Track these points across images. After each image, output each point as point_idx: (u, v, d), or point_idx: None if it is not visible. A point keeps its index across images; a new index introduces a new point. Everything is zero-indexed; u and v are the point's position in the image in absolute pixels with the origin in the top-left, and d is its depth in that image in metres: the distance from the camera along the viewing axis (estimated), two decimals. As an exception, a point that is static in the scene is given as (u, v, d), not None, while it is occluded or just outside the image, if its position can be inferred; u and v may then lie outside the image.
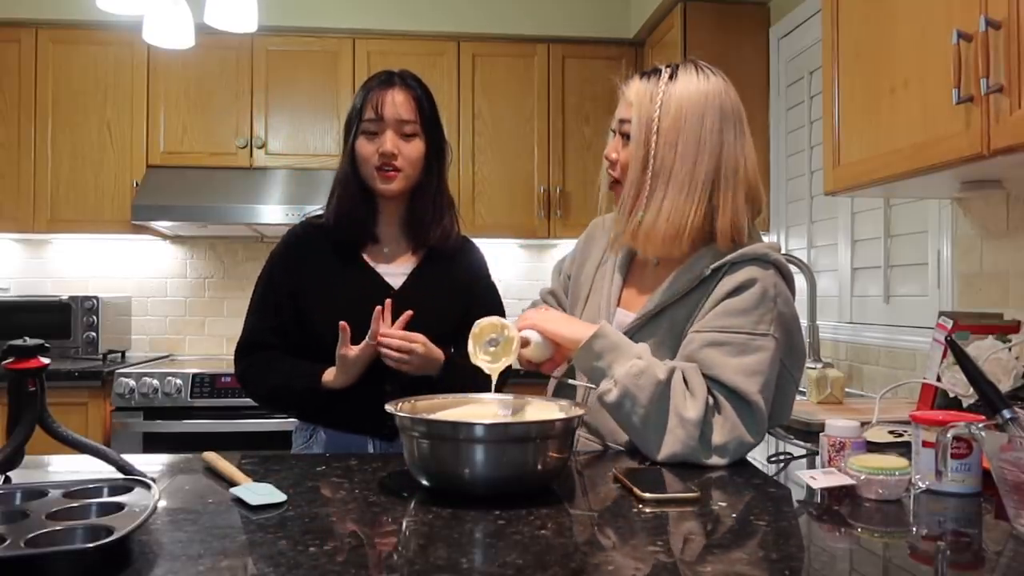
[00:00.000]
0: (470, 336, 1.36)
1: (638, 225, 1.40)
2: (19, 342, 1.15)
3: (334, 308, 1.63)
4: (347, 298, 1.65)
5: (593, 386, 1.37)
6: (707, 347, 1.34)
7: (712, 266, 1.39)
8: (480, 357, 1.36)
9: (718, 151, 1.39)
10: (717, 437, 1.31)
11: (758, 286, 1.36)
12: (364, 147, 1.65)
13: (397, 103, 1.64)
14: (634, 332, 1.43)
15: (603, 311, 1.50)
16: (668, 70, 1.42)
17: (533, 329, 1.40)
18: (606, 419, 1.42)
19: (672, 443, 1.30)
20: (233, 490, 1.13)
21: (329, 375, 1.59)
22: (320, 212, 1.76)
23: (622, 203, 1.43)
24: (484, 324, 1.36)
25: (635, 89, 1.43)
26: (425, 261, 1.72)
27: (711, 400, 1.32)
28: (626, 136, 1.43)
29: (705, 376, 1.33)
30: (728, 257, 1.38)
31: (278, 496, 1.10)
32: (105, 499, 0.99)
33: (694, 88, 1.40)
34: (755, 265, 1.38)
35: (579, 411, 1.22)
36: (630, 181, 1.41)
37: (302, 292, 1.67)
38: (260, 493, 1.11)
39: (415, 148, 1.66)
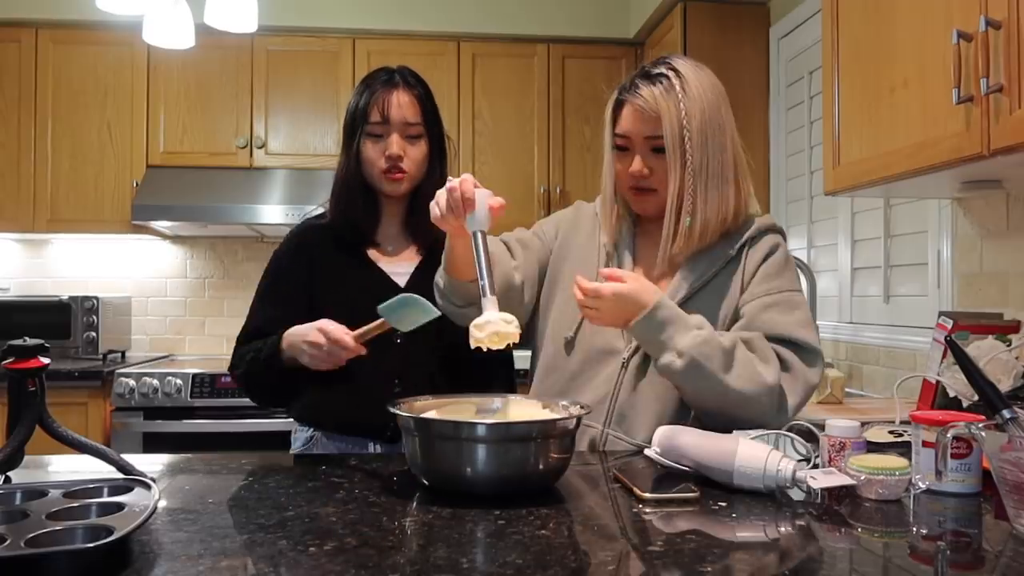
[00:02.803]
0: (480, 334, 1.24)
1: (687, 228, 1.43)
2: (19, 342, 1.15)
3: (342, 308, 1.63)
4: (354, 298, 1.64)
5: (625, 437, 1.41)
6: (766, 311, 1.42)
7: (737, 245, 1.47)
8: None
9: (732, 135, 1.46)
10: (791, 398, 1.38)
11: (781, 250, 1.49)
12: (370, 150, 1.65)
13: (403, 105, 1.64)
14: None
15: None
16: (671, 72, 1.43)
17: (617, 282, 1.32)
18: (640, 418, 1.42)
19: (756, 410, 1.34)
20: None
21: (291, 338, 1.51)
22: (319, 211, 1.76)
23: (668, 212, 1.44)
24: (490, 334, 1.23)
25: (658, 101, 1.41)
26: (429, 258, 1.71)
27: (775, 358, 1.39)
28: (656, 151, 1.44)
29: (772, 338, 1.40)
30: (749, 233, 1.48)
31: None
32: (105, 499, 0.99)
33: (705, 83, 1.43)
34: (771, 234, 1.50)
35: (581, 411, 1.22)
36: (674, 191, 1.42)
37: (312, 290, 1.66)
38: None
39: (420, 150, 1.67)
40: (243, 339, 1.69)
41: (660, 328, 1.33)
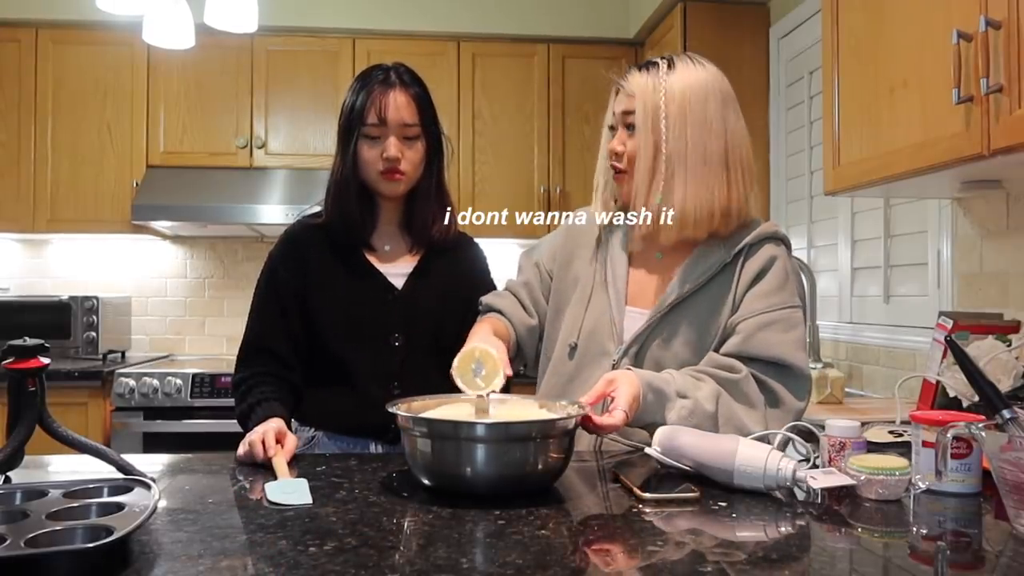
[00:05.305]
0: (454, 373, 1.27)
1: (659, 208, 1.43)
2: (19, 342, 1.15)
3: (338, 310, 1.63)
4: (351, 300, 1.64)
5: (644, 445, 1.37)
6: (762, 330, 1.40)
7: (734, 251, 1.45)
8: (472, 387, 1.28)
9: (724, 132, 1.44)
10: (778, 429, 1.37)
11: (780, 263, 1.45)
12: (367, 152, 1.63)
13: (400, 106, 1.62)
14: (653, 328, 1.45)
15: (616, 312, 1.49)
16: (664, 61, 1.47)
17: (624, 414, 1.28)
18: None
19: None
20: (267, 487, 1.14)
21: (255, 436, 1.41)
22: (315, 210, 1.74)
23: (636, 190, 1.45)
24: (458, 362, 1.27)
25: (636, 81, 1.46)
26: (425, 260, 1.70)
27: (763, 397, 1.38)
28: (629, 127, 1.47)
29: (763, 360, 1.38)
30: (747, 240, 1.45)
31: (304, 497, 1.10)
32: (105, 499, 0.99)
33: (693, 75, 1.45)
34: (770, 243, 1.47)
35: (580, 410, 1.22)
36: (642, 168, 1.44)
37: (306, 294, 1.65)
38: (287, 491, 1.12)
39: (417, 151, 1.65)
40: (244, 349, 1.68)
41: (653, 410, 1.33)
